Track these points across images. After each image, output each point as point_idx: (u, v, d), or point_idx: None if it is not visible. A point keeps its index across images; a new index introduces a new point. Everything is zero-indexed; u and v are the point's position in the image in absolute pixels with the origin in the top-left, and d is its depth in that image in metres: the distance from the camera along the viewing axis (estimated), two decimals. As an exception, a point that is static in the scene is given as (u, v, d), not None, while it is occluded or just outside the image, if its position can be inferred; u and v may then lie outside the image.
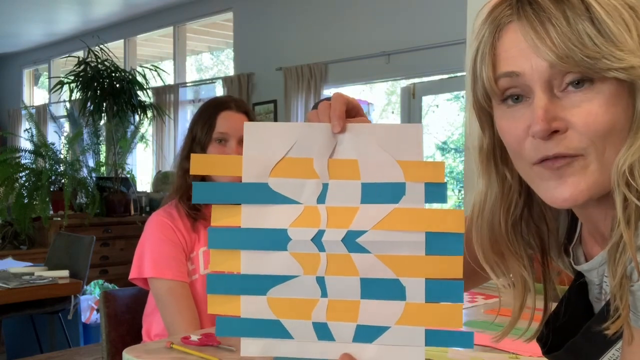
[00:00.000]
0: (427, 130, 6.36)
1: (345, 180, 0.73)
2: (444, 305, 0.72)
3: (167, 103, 7.09)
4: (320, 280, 0.73)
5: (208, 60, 9.54)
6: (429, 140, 6.56)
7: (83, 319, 3.81)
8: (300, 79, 5.64)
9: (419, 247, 0.71)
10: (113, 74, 5.62)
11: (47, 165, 5.32)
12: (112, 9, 7.32)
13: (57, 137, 6.32)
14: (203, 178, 1.52)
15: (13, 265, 3.60)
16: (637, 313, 0.66)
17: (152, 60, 8.20)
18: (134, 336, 1.80)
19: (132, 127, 5.80)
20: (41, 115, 8.65)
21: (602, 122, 0.66)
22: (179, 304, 1.65)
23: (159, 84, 6.46)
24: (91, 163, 5.66)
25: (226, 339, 1.33)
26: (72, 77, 5.63)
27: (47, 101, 8.98)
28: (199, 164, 0.76)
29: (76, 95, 5.66)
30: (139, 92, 5.75)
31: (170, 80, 7.30)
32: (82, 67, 5.61)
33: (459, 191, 5.86)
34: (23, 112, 8.19)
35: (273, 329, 0.74)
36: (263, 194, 0.74)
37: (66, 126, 7.27)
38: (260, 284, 0.74)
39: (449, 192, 5.15)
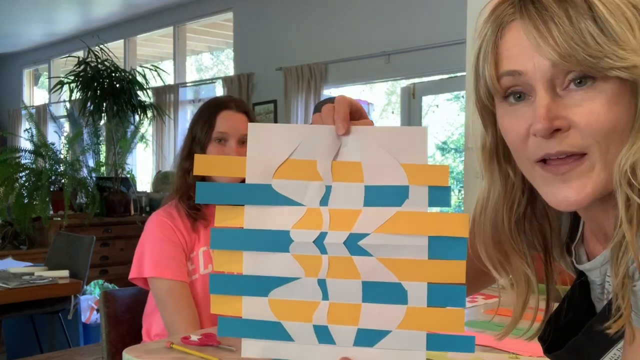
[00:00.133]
0: (427, 130, 6.35)
1: (348, 182, 0.73)
2: (446, 309, 0.71)
3: (167, 103, 7.08)
4: (322, 283, 0.73)
5: (208, 60, 9.54)
6: (429, 140, 6.55)
7: (83, 319, 3.81)
8: (300, 79, 5.64)
9: (422, 251, 0.71)
10: (113, 74, 5.62)
11: (47, 165, 5.32)
12: (112, 9, 7.32)
13: (57, 137, 6.32)
14: (203, 178, 1.51)
15: (13, 265, 3.60)
16: (639, 313, 0.66)
17: (152, 60, 8.20)
18: (134, 336, 1.80)
19: (132, 127, 5.80)
20: (41, 115, 8.65)
21: (604, 121, 0.66)
22: (179, 304, 1.65)
23: (159, 84, 6.46)
24: (91, 163, 5.66)
25: (226, 339, 1.33)
26: (72, 77, 5.63)
27: (47, 101, 8.98)
28: (202, 164, 0.76)
29: (76, 95, 5.66)
30: (139, 92, 5.75)
31: (170, 80, 7.29)
32: (82, 67, 5.61)
33: (459, 191, 5.86)
34: (23, 112, 8.19)
35: (274, 331, 0.74)
36: (266, 195, 0.74)
37: (66, 126, 7.27)
38: (261, 285, 0.73)
39: (449, 192, 5.12)
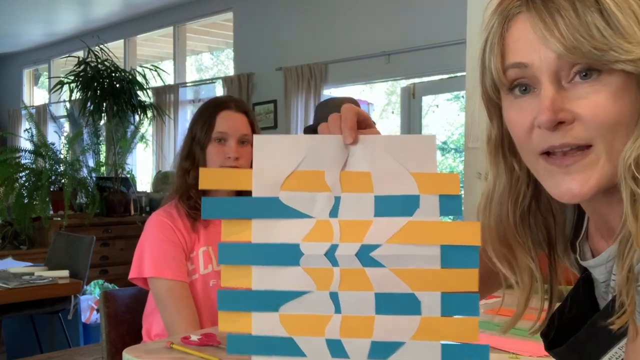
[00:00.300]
0: (427, 131, 6.35)
1: (358, 193, 0.72)
2: (459, 318, 0.70)
3: (167, 103, 7.08)
4: (334, 296, 0.71)
5: (208, 60, 9.55)
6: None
7: (83, 319, 3.81)
8: (300, 79, 5.64)
9: (435, 261, 0.70)
10: (113, 74, 5.62)
11: (47, 165, 5.32)
12: (112, 9, 7.32)
13: (57, 137, 6.31)
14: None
15: (13, 265, 3.60)
16: None
17: (152, 60, 8.20)
18: (134, 336, 1.80)
19: (132, 127, 5.80)
20: (41, 115, 8.64)
21: (609, 114, 0.66)
22: (179, 304, 1.65)
23: (159, 84, 6.46)
24: (91, 163, 5.65)
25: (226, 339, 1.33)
26: (72, 77, 5.63)
27: (47, 101, 8.98)
28: (208, 178, 0.75)
29: (76, 95, 5.66)
30: (139, 92, 5.75)
31: (170, 80, 7.29)
32: (82, 67, 5.61)
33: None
34: (23, 112, 8.18)
35: (285, 347, 0.72)
36: (274, 209, 0.72)
37: (66, 126, 7.26)
38: (272, 300, 0.72)
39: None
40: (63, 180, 5.24)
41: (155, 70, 5.96)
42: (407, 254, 0.70)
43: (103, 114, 5.68)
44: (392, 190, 0.71)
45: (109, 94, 5.55)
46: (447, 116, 7.02)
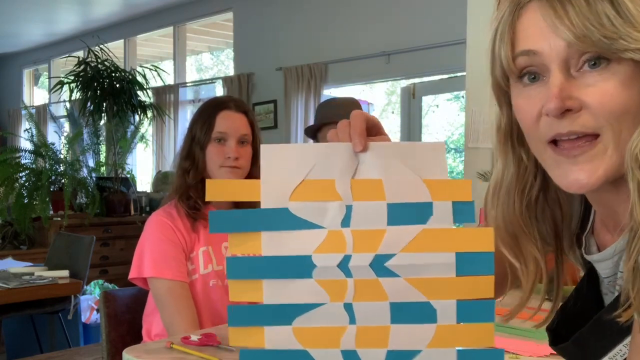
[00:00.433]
0: (427, 131, 6.36)
1: (370, 201, 0.70)
2: (475, 325, 0.70)
3: (167, 103, 7.08)
4: (348, 307, 0.70)
5: (208, 60, 9.55)
6: (429, 141, 6.56)
7: (83, 319, 3.81)
8: (300, 79, 5.64)
9: (450, 269, 0.69)
10: (113, 74, 5.62)
11: (47, 165, 5.32)
12: (112, 9, 7.32)
13: (57, 137, 6.32)
14: (202, 182, 1.51)
15: (13, 265, 3.60)
16: None
17: (152, 60, 8.20)
18: (134, 336, 1.80)
19: (132, 127, 5.80)
20: (41, 115, 8.64)
21: (617, 103, 0.66)
22: (179, 304, 1.65)
23: (159, 84, 6.46)
24: (91, 163, 5.65)
25: (226, 339, 1.33)
26: (72, 77, 5.63)
27: (47, 101, 8.98)
28: (215, 189, 0.72)
29: (76, 95, 5.66)
30: (139, 92, 5.75)
31: (170, 80, 7.29)
32: (82, 67, 5.61)
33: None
34: (23, 112, 8.18)
35: None
36: (284, 220, 0.70)
37: (66, 126, 7.26)
38: (284, 314, 0.70)
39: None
40: (63, 180, 5.24)
41: (155, 70, 5.96)
42: (422, 262, 0.69)
43: (103, 114, 5.68)
44: (404, 197, 0.70)
45: (109, 94, 5.55)
46: (447, 116, 7.03)
